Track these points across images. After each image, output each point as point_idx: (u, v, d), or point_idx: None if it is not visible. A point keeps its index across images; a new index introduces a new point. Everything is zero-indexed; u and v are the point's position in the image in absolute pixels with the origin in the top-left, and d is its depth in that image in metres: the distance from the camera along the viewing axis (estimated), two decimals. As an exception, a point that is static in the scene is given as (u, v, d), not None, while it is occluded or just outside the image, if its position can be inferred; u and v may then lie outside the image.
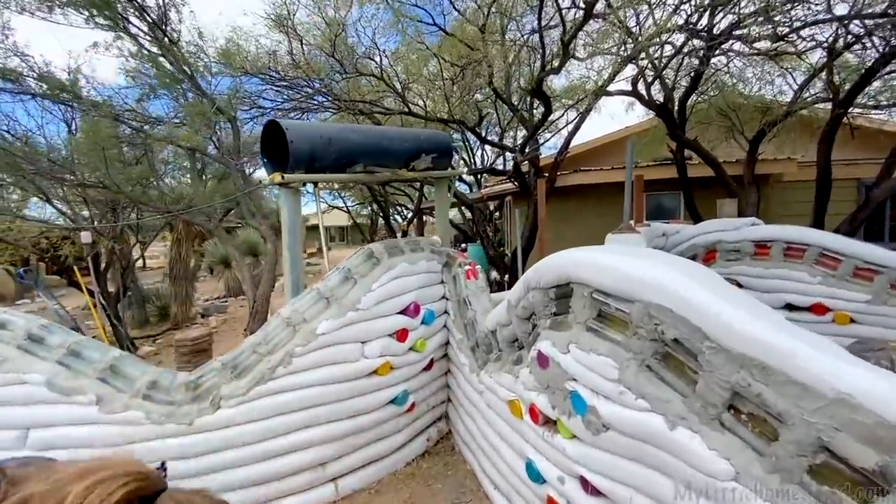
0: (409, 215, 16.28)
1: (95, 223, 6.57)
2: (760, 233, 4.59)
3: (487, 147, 13.39)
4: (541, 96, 5.94)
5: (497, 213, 15.72)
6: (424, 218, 17.29)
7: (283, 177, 2.88)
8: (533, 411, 2.12)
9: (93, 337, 7.52)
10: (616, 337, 1.70)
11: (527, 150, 6.79)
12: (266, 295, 5.86)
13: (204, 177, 7.37)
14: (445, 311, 3.74)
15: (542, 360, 2.00)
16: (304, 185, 2.95)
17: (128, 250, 7.88)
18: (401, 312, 3.28)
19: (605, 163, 8.57)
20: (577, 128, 7.05)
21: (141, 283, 9.12)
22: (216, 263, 13.81)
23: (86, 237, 6.60)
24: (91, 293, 7.09)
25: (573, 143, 7.99)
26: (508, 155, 9.35)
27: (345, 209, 24.46)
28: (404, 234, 15.03)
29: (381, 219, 16.44)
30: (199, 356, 4.99)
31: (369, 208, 23.48)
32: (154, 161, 6.43)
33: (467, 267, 3.60)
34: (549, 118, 6.82)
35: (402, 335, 3.22)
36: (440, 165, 3.92)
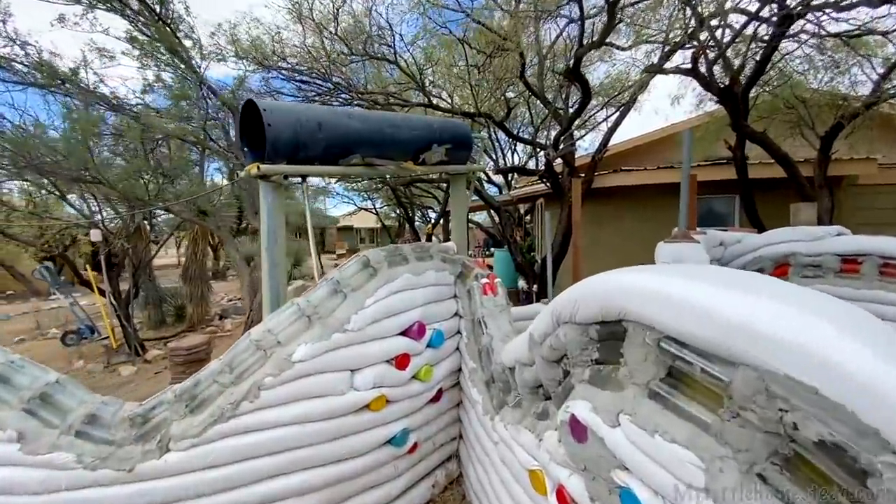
0: (434, 217, 15.76)
1: (99, 219, 6.38)
2: (848, 245, 3.76)
3: (518, 147, 12.71)
4: (578, 79, 5.22)
5: (528, 217, 14.99)
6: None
7: (259, 168, 2.38)
8: (562, 496, 1.50)
9: (104, 338, 7.41)
10: (702, 416, 1.06)
11: (560, 147, 6.10)
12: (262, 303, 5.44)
13: (205, 173, 7.00)
14: (458, 332, 3.16)
15: (578, 429, 1.38)
16: (287, 178, 2.44)
17: (141, 248, 7.72)
18: (402, 333, 2.72)
19: (647, 163, 7.76)
20: (619, 121, 6.32)
21: (158, 283, 9.00)
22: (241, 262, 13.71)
23: (95, 234, 6.39)
24: (102, 292, 6.90)
25: (611, 141, 7.25)
26: (541, 155, 8.67)
27: (373, 211, 24.33)
28: (429, 237, 14.50)
29: (406, 221, 16.02)
30: (195, 367, 4.59)
31: (397, 211, 23.23)
32: (148, 153, 6.11)
33: (484, 280, 2.99)
34: (586, 108, 6.05)
35: (402, 361, 2.66)
36: (456, 159, 3.34)
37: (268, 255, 2.51)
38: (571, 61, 4.74)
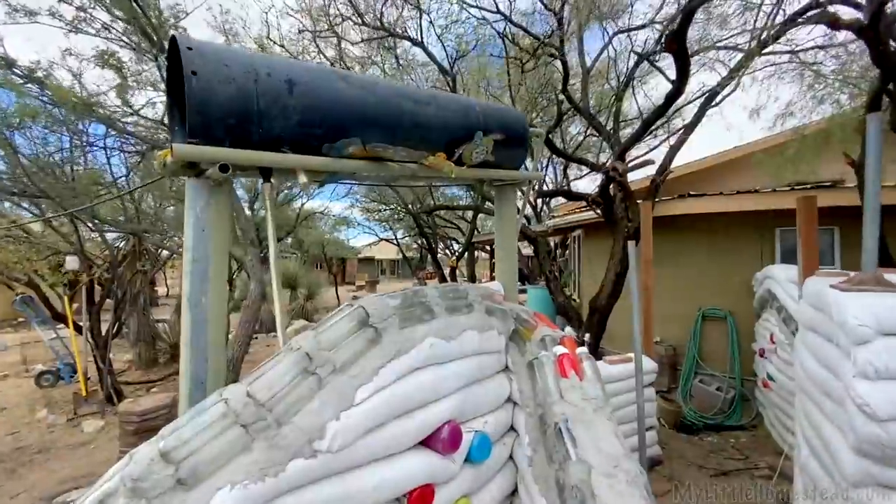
0: (460, 249, 14.69)
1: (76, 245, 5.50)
2: None
3: (551, 170, 11.67)
4: (680, 50, 3.75)
5: (559, 251, 13.76)
6: (476, 253, 15.64)
7: (174, 152, 1.33)
8: None
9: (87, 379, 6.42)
10: None
11: (626, 161, 4.98)
12: (243, 347, 4.39)
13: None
14: (512, 428, 1.97)
15: None
16: (229, 171, 1.38)
17: (127, 277, 6.85)
18: (423, 443, 1.57)
19: (712, 189, 6.53)
20: (688, 132, 5.15)
21: (152, 317, 8.09)
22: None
23: (71, 262, 5.50)
24: (78, 328, 5.96)
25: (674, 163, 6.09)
26: (585, 179, 7.55)
27: (394, 242, 23.51)
28: (452, 272, 13.38)
29: (428, 253, 15.00)
30: (149, 435, 3.48)
31: (418, 241, 22.32)
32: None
33: (560, 349, 1.82)
34: (676, 102, 4.62)
35: (421, 499, 1.49)
36: (507, 160, 2.26)
37: (190, 308, 1.43)
38: (674, 23, 3.58)
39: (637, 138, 4.78)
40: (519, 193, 2.64)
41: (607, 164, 5.18)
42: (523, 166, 2.44)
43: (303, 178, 1.57)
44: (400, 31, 5.64)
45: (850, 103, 4.57)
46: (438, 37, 5.79)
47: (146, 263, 7.35)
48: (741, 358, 6.05)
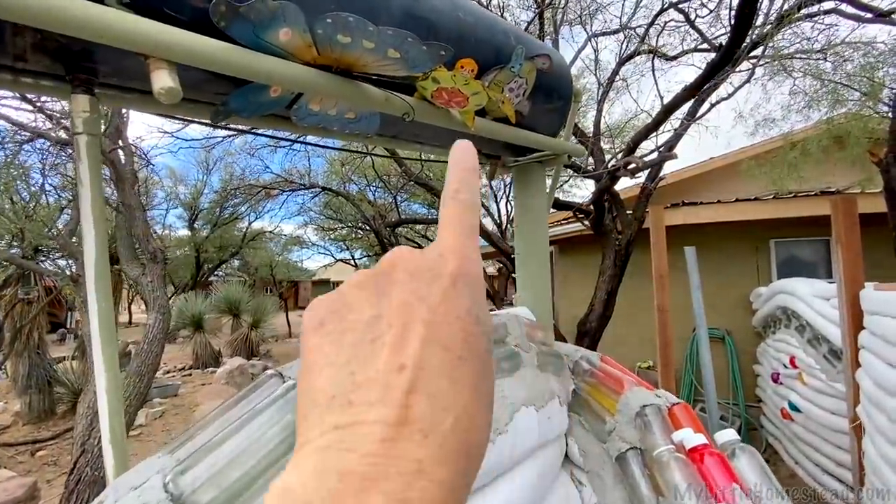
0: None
1: None
2: None
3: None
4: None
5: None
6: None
7: None
8: None
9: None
10: None
11: (640, 156, 4.35)
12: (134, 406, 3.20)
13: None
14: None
15: None
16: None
17: (16, 311, 5.43)
18: None
19: (705, 196, 6.10)
20: (683, 128, 4.61)
21: (49, 359, 6.51)
22: (186, 325, 11.25)
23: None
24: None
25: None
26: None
27: (352, 263, 22.15)
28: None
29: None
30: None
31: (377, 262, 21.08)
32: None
33: (687, 435, 0.98)
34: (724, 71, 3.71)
35: None
36: (543, 121, 1.46)
37: None
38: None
39: (659, 122, 4.16)
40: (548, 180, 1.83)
41: (614, 161, 4.55)
42: (559, 132, 1.64)
43: (164, 81, 0.66)
44: None
45: (860, 101, 4.22)
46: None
47: (33, 290, 5.89)
48: (743, 382, 5.52)
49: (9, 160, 4.12)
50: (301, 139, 4.61)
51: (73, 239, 4.18)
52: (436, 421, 0.20)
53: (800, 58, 4.12)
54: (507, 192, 8.79)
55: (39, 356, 6.29)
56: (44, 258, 6.16)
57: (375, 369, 0.22)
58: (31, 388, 6.19)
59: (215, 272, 18.07)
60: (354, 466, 0.19)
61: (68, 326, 15.89)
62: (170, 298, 11.27)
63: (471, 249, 0.27)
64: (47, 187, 5.26)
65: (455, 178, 0.29)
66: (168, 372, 10.32)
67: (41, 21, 0.55)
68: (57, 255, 5.77)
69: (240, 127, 4.14)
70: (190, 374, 10.03)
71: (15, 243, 4.95)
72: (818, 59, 4.15)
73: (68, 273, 4.24)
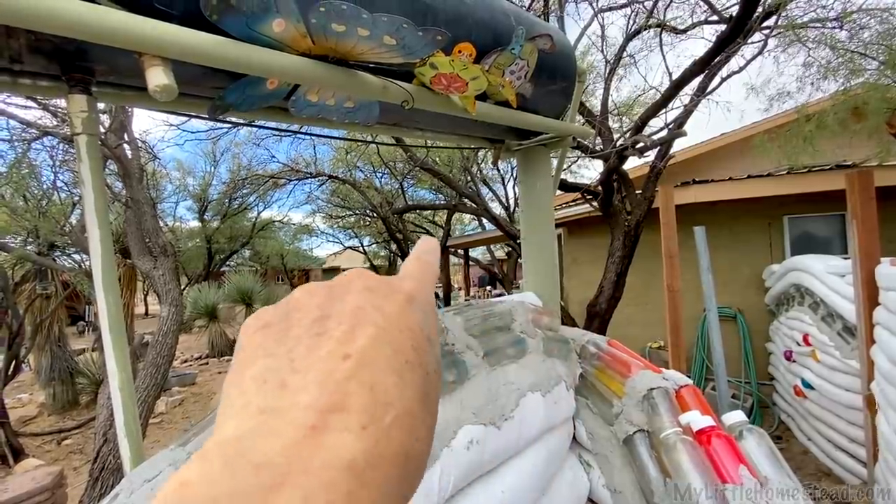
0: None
1: None
2: None
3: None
4: None
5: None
6: (450, 258, 14.80)
7: None
8: None
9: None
10: None
11: (648, 134, 4.27)
12: (149, 401, 3.28)
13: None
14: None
15: None
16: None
17: (24, 305, 5.57)
18: None
19: (715, 174, 5.98)
20: (692, 105, 4.50)
21: (69, 350, 6.71)
22: (201, 315, 11.45)
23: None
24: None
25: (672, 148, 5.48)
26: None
27: (361, 250, 22.26)
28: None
29: (399, 260, 14.02)
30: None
31: (386, 249, 21.22)
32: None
33: (694, 417, 0.98)
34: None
35: None
36: (546, 103, 1.43)
37: None
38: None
39: (668, 98, 4.06)
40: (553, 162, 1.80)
41: (622, 140, 4.47)
42: (564, 112, 1.61)
43: (159, 78, 0.65)
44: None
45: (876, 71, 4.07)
46: None
47: (50, 285, 6.03)
48: (755, 361, 5.48)
49: (19, 158, 4.19)
50: (304, 129, 4.59)
51: (85, 234, 4.28)
52: (376, 414, 0.18)
53: (814, 27, 3.98)
54: (514, 174, 8.70)
55: (61, 349, 6.47)
56: (59, 254, 6.28)
57: (318, 356, 0.20)
58: (54, 379, 6.39)
59: (227, 262, 18.27)
60: (273, 457, 0.16)
61: (87, 319, 16.25)
62: (183, 289, 11.48)
63: (428, 286, 0.27)
64: (58, 184, 5.35)
65: (419, 251, 0.30)
66: (185, 361, 10.55)
67: (29, 21, 0.54)
68: (72, 250, 5.89)
69: (239, 120, 4.13)
70: (207, 363, 10.25)
71: (30, 240, 5.06)
72: (833, 27, 4.01)
73: (82, 268, 4.34)
